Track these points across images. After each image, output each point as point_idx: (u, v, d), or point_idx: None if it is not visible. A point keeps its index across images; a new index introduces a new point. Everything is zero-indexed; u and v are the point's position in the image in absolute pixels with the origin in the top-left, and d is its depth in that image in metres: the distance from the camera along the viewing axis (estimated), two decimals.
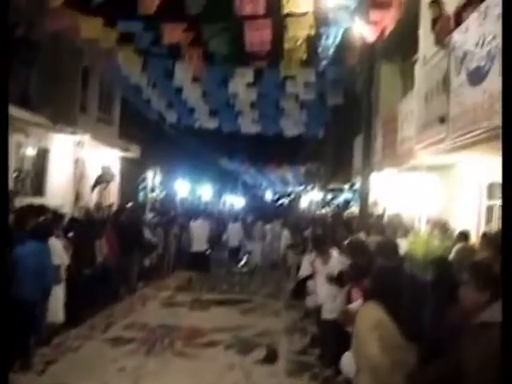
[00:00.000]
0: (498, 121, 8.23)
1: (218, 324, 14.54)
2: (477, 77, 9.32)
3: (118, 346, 12.27)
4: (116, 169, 27.10)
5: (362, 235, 13.67)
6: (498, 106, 8.20)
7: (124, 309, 16.11)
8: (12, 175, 17.23)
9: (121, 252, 17.23)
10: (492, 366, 4.44)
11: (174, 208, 31.57)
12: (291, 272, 20.33)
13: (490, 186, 12.62)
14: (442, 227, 13.01)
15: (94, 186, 22.97)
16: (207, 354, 12.07)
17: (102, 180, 23.29)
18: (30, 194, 18.85)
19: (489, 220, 12.61)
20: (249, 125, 27.74)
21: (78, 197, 22.45)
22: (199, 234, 22.78)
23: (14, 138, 17.25)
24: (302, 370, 11.08)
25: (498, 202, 12.10)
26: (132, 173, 29.46)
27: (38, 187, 19.98)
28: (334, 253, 11.04)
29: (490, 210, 12.64)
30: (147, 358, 11.51)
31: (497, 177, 12.10)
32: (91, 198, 23.13)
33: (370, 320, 5.74)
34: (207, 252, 23.27)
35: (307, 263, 13.36)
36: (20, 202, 15.74)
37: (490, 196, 12.64)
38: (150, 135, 29.88)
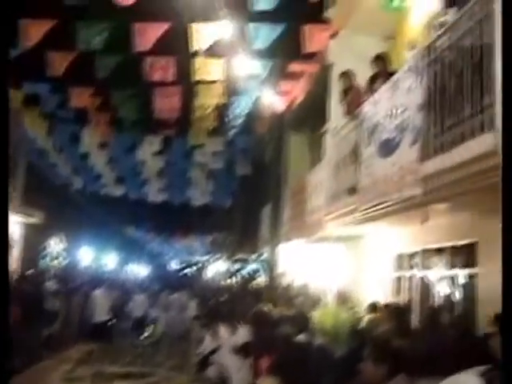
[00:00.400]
0: (408, 192, 8.23)
1: None
2: (387, 149, 9.35)
3: None
4: (17, 235, 26.11)
5: (268, 306, 13.46)
6: (409, 178, 8.21)
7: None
8: None
9: (20, 322, 16.31)
10: None
11: (77, 276, 30.63)
12: (197, 344, 19.76)
13: (398, 257, 12.64)
14: (347, 299, 12.93)
15: None
16: None
17: None
18: None
19: (397, 291, 12.58)
20: (155, 193, 27.44)
21: None
22: (101, 303, 22.13)
23: None
24: None
25: (406, 273, 12.13)
26: (35, 239, 28.46)
27: None
28: (240, 324, 10.87)
29: (398, 280, 12.63)
30: None
31: (404, 248, 12.18)
32: None
33: None
34: (110, 322, 22.57)
35: (209, 338, 12.97)
36: None
37: (399, 267, 12.65)
38: (55, 201, 29.09)
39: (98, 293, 22.66)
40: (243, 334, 10.29)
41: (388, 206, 9.27)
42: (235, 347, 9.93)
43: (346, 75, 12.50)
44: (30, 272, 23.46)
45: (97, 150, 22.24)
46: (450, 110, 7.45)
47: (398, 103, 9.01)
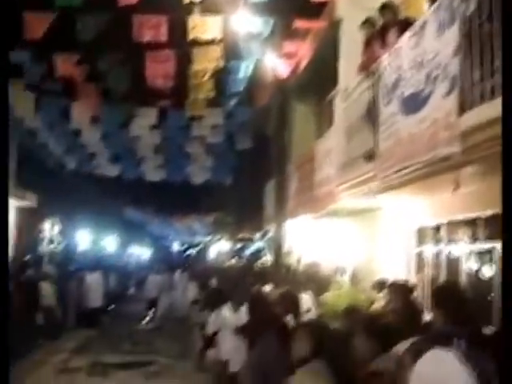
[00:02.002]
0: (443, 151, 6.97)
1: None
2: (413, 104, 8.08)
3: None
4: (11, 219, 25.00)
5: (269, 287, 12.93)
6: (444, 134, 6.94)
7: (13, 377, 14.02)
8: None
9: (15, 310, 15.24)
10: None
11: (73, 260, 29.61)
12: (196, 330, 18.62)
13: (420, 231, 11.40)
14: (363, 278, 11.91)
15: None
16: None
17: None
18: None
19: (420, 268, 11.37)
20: (153, 171, 26.15)
21: None
22: (94, 288, 21.26)
23: None
24: None
25: (430, 248, 10.93)
26: (29, 223, 27.33)
27: None
28: (242, 305, 10.23)
29: (420, 256, 11.41)
30: None
31: (427, 220, 10.95)
32: None
33: None
34: (109, 307, 21.71)
35: (213, 319, 12.07)
36: None
37: (420, 241, 11.41)
38: (48, 183, 27.86)
39: (92, 277, 21.70)
40: (244, 315, 9.63)
41: (415, 171, 8.01)
42: (236, 328, 9.77)
43: (369, 23, 11.12)
44: (26, 258, 22.38)
45: (88, 125, 20.94)
46: (494, 50, 6.19)
47: (426, 50, 7.71)
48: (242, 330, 9.32)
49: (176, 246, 71.69)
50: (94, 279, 22.11)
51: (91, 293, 21.89)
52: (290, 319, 8.40)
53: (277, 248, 15.92)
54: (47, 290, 19.13)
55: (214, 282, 19.89)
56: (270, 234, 19.62)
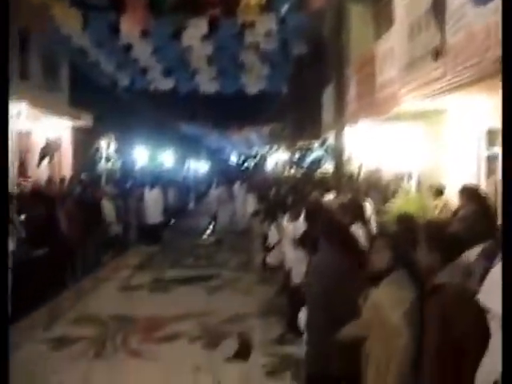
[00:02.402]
0: None
1: (181, 310, 12.32)
2: None
3: (62, 347, 10.22)
4: (67, 139, 24.95)
5: (330, 195, 12.56)
6: None
7: (76, 294, 14.06)
8: None
9: (78, 229, 15.66)
10: (447, 327, 4.29)
11: (132, 177, 29.60)
12: (257, 241, 18.40)
13: (491, 133, 10.75)
14: (431, 184, 11.40)
15: (40, 159, 20.66)
16: (168, 351, 9.90)
17: (47, 152, 20.99)
18: None
19: (490, 171, 10.78)
20: (207, 82, 25.55)
21: (23, 173, 20.18)
22: (154, 204, 21.45)
23: None
24: (281, 365, 9.13)
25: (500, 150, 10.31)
26: (85, 143, 27.26)
27: None
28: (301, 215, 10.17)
29: (491, 159, 10.81)
30: (96, 362, 9.45)
31: (497, 121, 10.27)
32: (40, 173, 20.86)
33: None
34: (169, 223, 21.62)
35: (274, 231, 12.13)
36: None
37: (491, 144, 10.78)
38: (102, 101, 27.55)
39: (151, 193, 21.65)
40: (303, 225, 9.55)
41: (487, 67, 7.37)
42: (294, 239, 9.57)
43: None
44: (84, 176, 22.31)
45: (138, 40, 20.35)
46: None
47: None
48: (301, 240, 9.01)
49: (234, 159, 71.67)
50: (153, 195, 21.93)
51: (151, 209, 21.78)
52: (356, 228, 8.10)
53: (337, 156, 15.41)
54: (108, 207, 19.10)
55: (273, 192, 19.70)
56: (330, 142, 19.10)
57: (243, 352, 9.64)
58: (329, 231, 6.41)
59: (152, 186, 22.77)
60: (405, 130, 14.24)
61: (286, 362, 9.11)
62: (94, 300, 13.73)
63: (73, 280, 15.30)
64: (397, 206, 11.37)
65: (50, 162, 21.10)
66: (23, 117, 18.55)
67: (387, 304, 4.88)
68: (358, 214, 8.55)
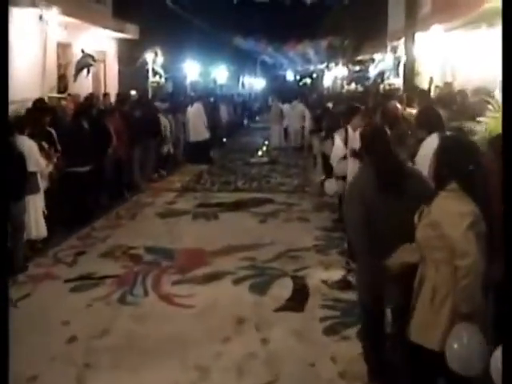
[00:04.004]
0: None
1: (227, 241, 10.75)
2: None
3: (82, 289, 8.68)
4: (112, 52, 23.49)
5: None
6: None
7: (110, 223, 12.61)
8: None
9: (131, 144, 15.46)
10: None
11: (181, 93, 28.23)
12: (317, 161, 16.75)
13: None
14: None
15: (77, 72, 19.13)
16: (207, 296, 8.19)
17: (84, 65, 19.46)
18: None
19: None
20: None
21: (65, 86, 18.77)
22: (197, 121, 20.51)
23: None
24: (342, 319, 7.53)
25: None
26: (131, 56, 25.75)
27: None
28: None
29: None
30: (118, 308, 7.81)
31: None
32: (82, 86, 19.43)
33: None
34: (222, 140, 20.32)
35: (339, 141, 10.52)
36: None
37: None
38: (149, 12, 26.08)
39: (192, 110, 20.37)
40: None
41: None
42: (353, 150, 9.13)
43: None
44: (133, 92, 21.26)
45: None
46: None
47: None
48: (357, 153, 8.49)
49: (290, 75, 69.90)
50: (194, 111, 20.71)
51: (193, 126, 20.60)
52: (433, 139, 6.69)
53: (407, 67, 13.64)
54: (164, 122, 18.40)
55: (330, 107, 18.12)
56: (397, 53, 17.25)
57: (298, 300, 8.04)
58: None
59: (203, 102, 21.75)
60: (487, 37, 12.31)
61: (347, 313, 7.50)
62: (128, 229, 12.20)
63: (112, 205, 13.99)
64: (491, 125, 9.64)
65: (87, 74, 19.61)
66: (61, 27, 17.20)
67: (447, 220, 4.36)
68: (436, 123, 7.22)
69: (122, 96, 18.65)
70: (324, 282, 8.61)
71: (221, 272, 9.13)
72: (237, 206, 14.06)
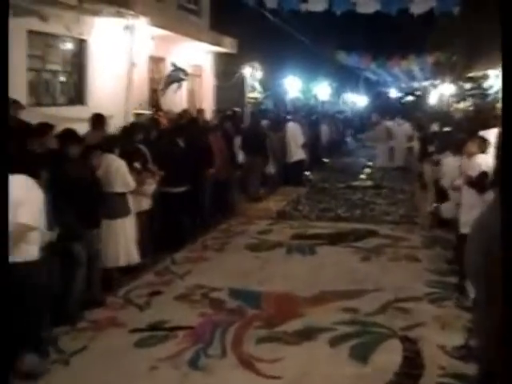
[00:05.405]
0: None
1: (324, 284, 9.30)
2: None
3: (146, 343, 7.43)
4: (208, 67, 22.75)
5: None
6: None
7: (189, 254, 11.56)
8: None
9: (233, 164, 15.29)
10: None
11: (282, 110, 27.57)
12: (428, 189, 14.98)
13: None
14: None
15: (166, 86, 18.17)
16: (299, 359, 6.68)
17: (174, 79, 18.53)
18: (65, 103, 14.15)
19: None
20: (365, 2, 22.30)
21: (156, 103, 17.85)
22: (292, 141, 19.62)
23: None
24: None
25: None
26: (228, 70, 24.99)
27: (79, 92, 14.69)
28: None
29: None
30: (188, 373, 6.38)
31: None
32: (175, 102, 18.51)
33: None
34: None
35: (453, 167, 10.02)
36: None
37: None
38: (247, 25, 25.11)
39: (291, 127, 19.72)
40: (480, 163, 8.46)
41: None
42: (469, 178, 8.54)
43: None
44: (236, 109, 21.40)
45: None
46: None
47: None
48: (475, 182, 8.23)
49: (393, 92, 68.10)
50: (299, 130, 19.81)
51: (297, 146, 19.67)
52: None
53: None
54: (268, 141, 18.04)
55: (434, 127, 17.70)
56: None
57: (409, 375, 6.25)
58: None
59: (303, 119, 21.06)
60: None
61: None
62: (212, 264, 10.84)
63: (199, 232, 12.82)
64: None
65: (178, 89, 18.76)
66: (154, 40, 16.41)
67: None
68: None
69: (231, 113, 18.77)
70: (441, 347, 6.87)
71: (315, 328, 7.55)
72: (336, 239, 12.58)
